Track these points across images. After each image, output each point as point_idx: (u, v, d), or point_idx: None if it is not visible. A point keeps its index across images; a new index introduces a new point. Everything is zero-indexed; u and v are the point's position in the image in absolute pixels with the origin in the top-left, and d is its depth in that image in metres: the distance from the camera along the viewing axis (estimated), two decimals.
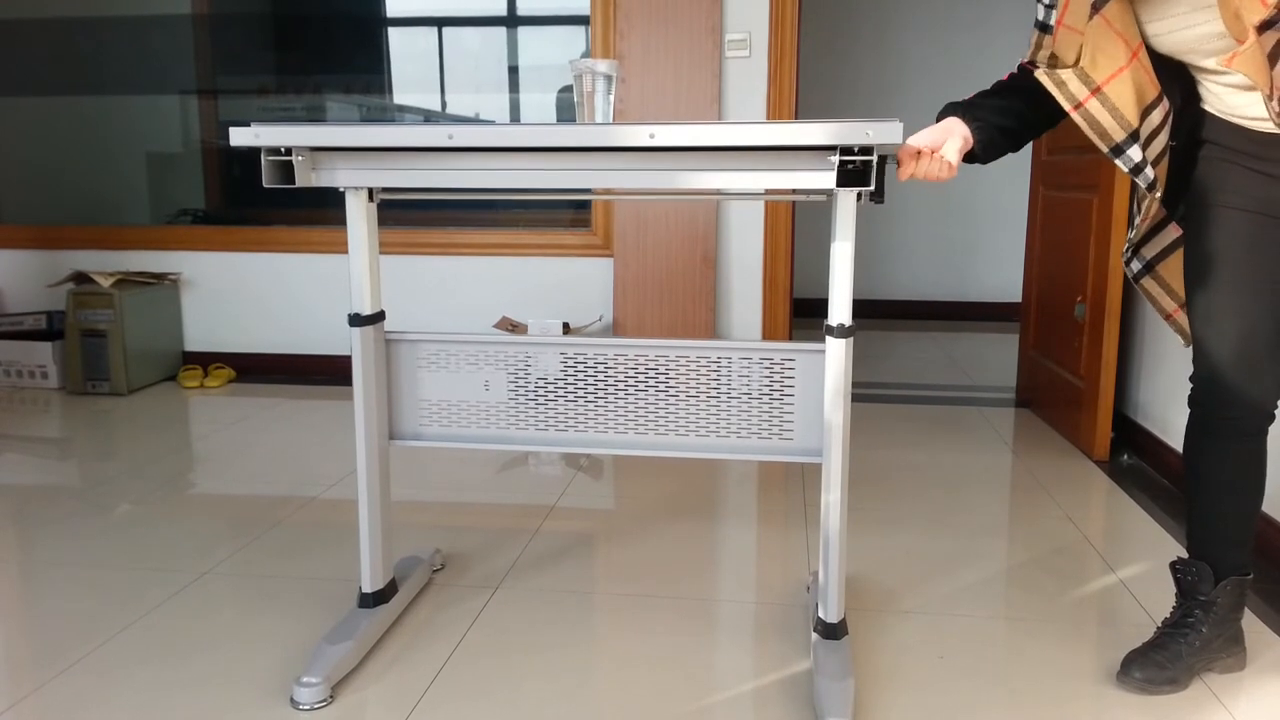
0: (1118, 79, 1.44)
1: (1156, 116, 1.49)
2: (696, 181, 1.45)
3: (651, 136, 1.38)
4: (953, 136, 1.52)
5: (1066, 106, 1.47)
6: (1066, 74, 1.47)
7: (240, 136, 1.48)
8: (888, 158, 1.51)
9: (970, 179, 5.45)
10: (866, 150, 1.36)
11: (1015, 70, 1.60)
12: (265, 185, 1.51)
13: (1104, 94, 1.45)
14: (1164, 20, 1.42)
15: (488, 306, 3.77)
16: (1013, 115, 1.56)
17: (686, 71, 3.40)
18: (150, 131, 4.07)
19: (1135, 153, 1.48)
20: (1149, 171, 1.50)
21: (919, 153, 1.51)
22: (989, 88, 1.60)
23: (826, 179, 1.40)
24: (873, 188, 1.39)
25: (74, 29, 4.01)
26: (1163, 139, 1.51)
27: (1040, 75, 1.50)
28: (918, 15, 5.34)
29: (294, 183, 1.51)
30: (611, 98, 1.58)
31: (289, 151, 1.50)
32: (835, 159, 1.37)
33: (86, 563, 2.10)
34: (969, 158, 1.56)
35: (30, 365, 3.75)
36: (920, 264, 5.61)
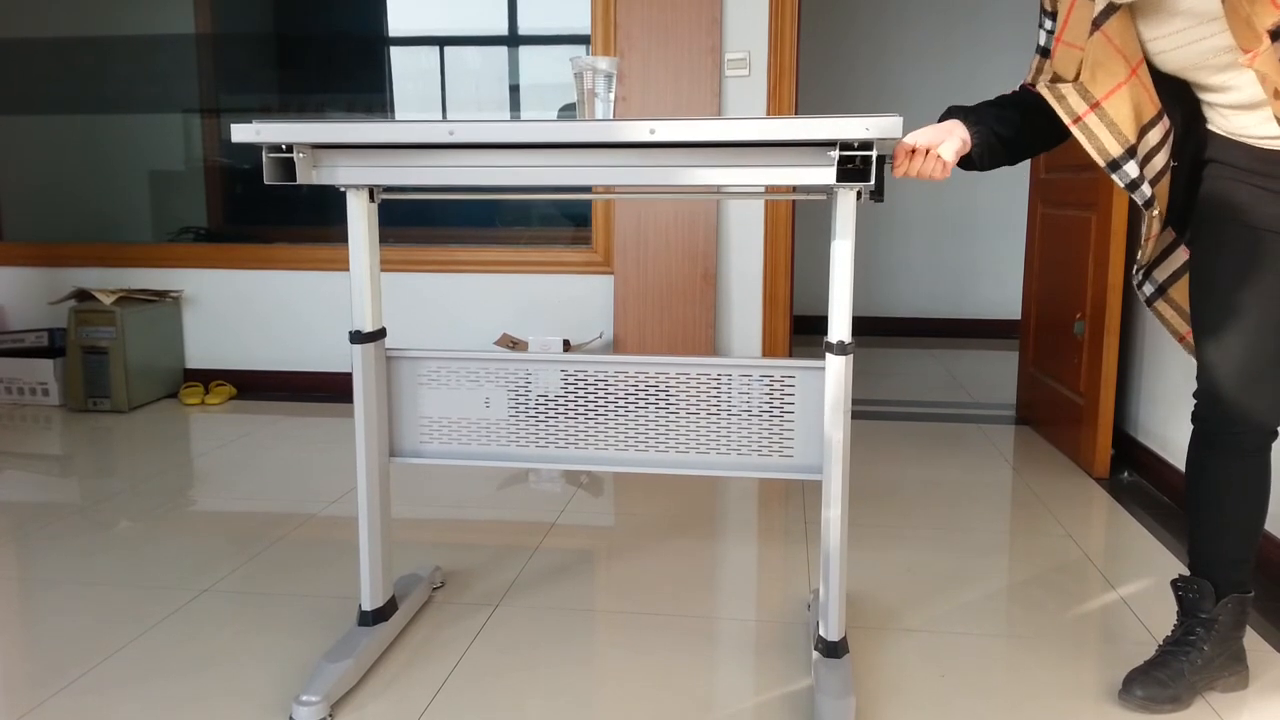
0: (1116, 95, 1.45)
1: (1155, 135, 1.49)
2: (697, 178, 1.46)
3: (652, 132, 1.39)
4: (951, 137, 1.51)
5: (1065, 120, 1.49)
6: (1066, 88, 1.48)
7: (242, 133, 1.48)
8: (885, 157, 1.49)
9: (969, 196, 5.47)
10: (866, 146, 1.37)
11: (1018, 89, 1.62)
12: (266, 183, 1.51)
13: (1102, 109, 1.46)
14: (1169, 36, 1.43)
15: (488, 324, 3.78)
16: (1014, 126, 1.56)
17: (686, 90, 3.42)
18: (153, 150, 4.09)
19: (1132, 169, 1.49)
20: (1145, 189, 1.51)
21: (914, 150, 1.51)
22: (992, 99, 1.61)
23: (826, 175, 1.41)
24: (872, 183, 1.39)
25: (78, 48, 4.04)
26: (1162, 158, 1.52)
27: (1041, 89, 1.51)
28: (915, 35, 5.38)
29: (295, 180, 1.51)
30: (612, 95, 1.59)
31: (290, 149, 1.50)
32: (835, 154, 1.38)
33: (86, 580, 2.09)
34: (967, 164, 1.56)
35: (31, 382, 3.75)
36: (920, 281, 5.62)
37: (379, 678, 1.69)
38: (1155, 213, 1.54)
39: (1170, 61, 1.46)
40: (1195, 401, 1.59)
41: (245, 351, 3.96)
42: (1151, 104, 1.48)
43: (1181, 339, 1.69)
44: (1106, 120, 1.46)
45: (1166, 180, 1.55)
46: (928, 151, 1.50)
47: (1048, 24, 1.54)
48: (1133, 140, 1.47)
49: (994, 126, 1.54)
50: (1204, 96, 1.50)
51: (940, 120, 1.57)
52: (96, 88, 4.06)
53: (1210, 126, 1.53)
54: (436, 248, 3.78)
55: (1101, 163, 1.49)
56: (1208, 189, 1.54)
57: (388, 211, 3.73)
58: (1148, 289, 1.69)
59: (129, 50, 4.01)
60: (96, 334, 3.61)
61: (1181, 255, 1.65)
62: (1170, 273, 1.67)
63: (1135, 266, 1.67)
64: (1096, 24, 1.44)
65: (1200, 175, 1.55)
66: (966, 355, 4.95)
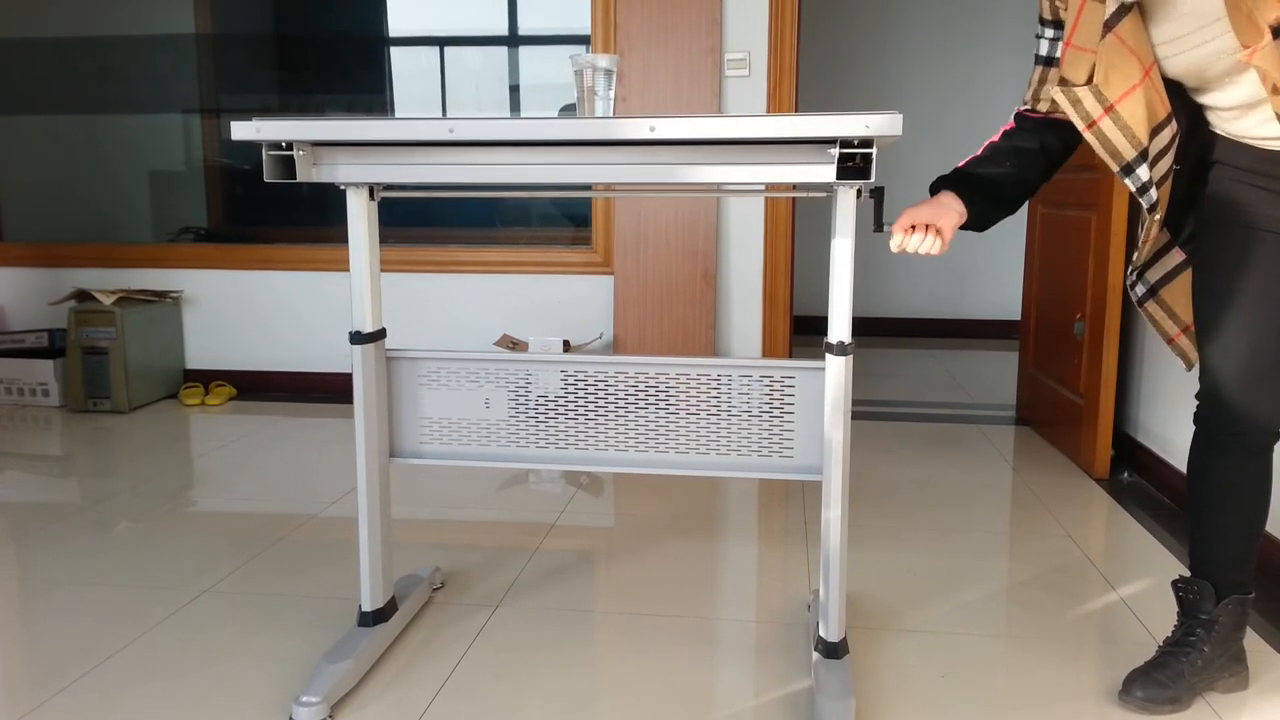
0: (1130, 97, 1.44)
1: (1165, 136, 1.49)
2: (697, 176, 1.46)
3: (652, 129, 1.38)
4: (946, 212, 1.54)
5: (1080, 125, 1.48)
6: (1082, 92, 1.46)
7: (242, 130, 1.48)
8: (886, 226, 1.55)
9: None
10: (866, 144, 1.37)
11: (1011, 122, 1.62)
12: (266, 180, 1.51)
13: (1117, 112, 1.45)
14: (1174, 41, 1.42)
15: (488, 324, 3.78)
16: (1005, 184, 1.58)
17: (686, 90, 3.42)
18: (153, 150, 4.09)
19: (1144, 172, 1.48)
20: (1153, 193, 1.50)
21: (913, 227, 1.54)
22: (981, 152, 1.61)
23: (826, 173, 1.41)
24: (873, 181, 1.40)
25: (78, 48, 4.04)
26: (1168, 160, 1.52)
27: (1055, 93, 1.50)
28: (916, 35, 5.38)
29: (295, 178, 1.51)
30: (612, 93, 1.59)
31: (290, 147, 1.50)
32: (835, 152, 1.38)
33: (86, 580, 2.09)
34: (964, 227, 1.59)
35: (32, 383, 3.75)
36: (920, 281, 5.62)
37: (379, 678, 1.68)
38: (1157, 216, 1.54)
39: (1176, 65, 1.45)
40: (1198, 403, 1.59)
41: (245, 352, 3.96)
42: (1162, 106, 1.47)
43: (1171, 340, 1.69)
44: (1120, 123, 1.45)
45: (1169, 184, 1.55)
46: (926, 228, 1.53)
47: (1049, 33, 1.54)
48: (1145, 143, 1.47)
49: (986, 193, 1.57)
50: (1206, 100, 1.50)
51: (931, 191, 1.59)
52: (97, 88, 4.06)
53: (1212, 129, 1.53)
54: (436, 248, 3.78)
55: (1115, 167, 1.48)
56: (1211, 191, 1.53)
57: (387, 212, 3.73)
58: (1139, 290, 1.69)
59: (129, 50, 4.01)
60: (96, 334, 3.61)
61: (1175, 258, 1.64)
62: (1163, 274, 1.66)
63: (1129, 267, 1.67)
64: (1108, 26, 1.43)
65: (1202, 178, 1.55)
66: (966, 356, 4.95)
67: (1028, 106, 1.61)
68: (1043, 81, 1.57)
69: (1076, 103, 1.48)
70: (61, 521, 2.46)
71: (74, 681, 1.67)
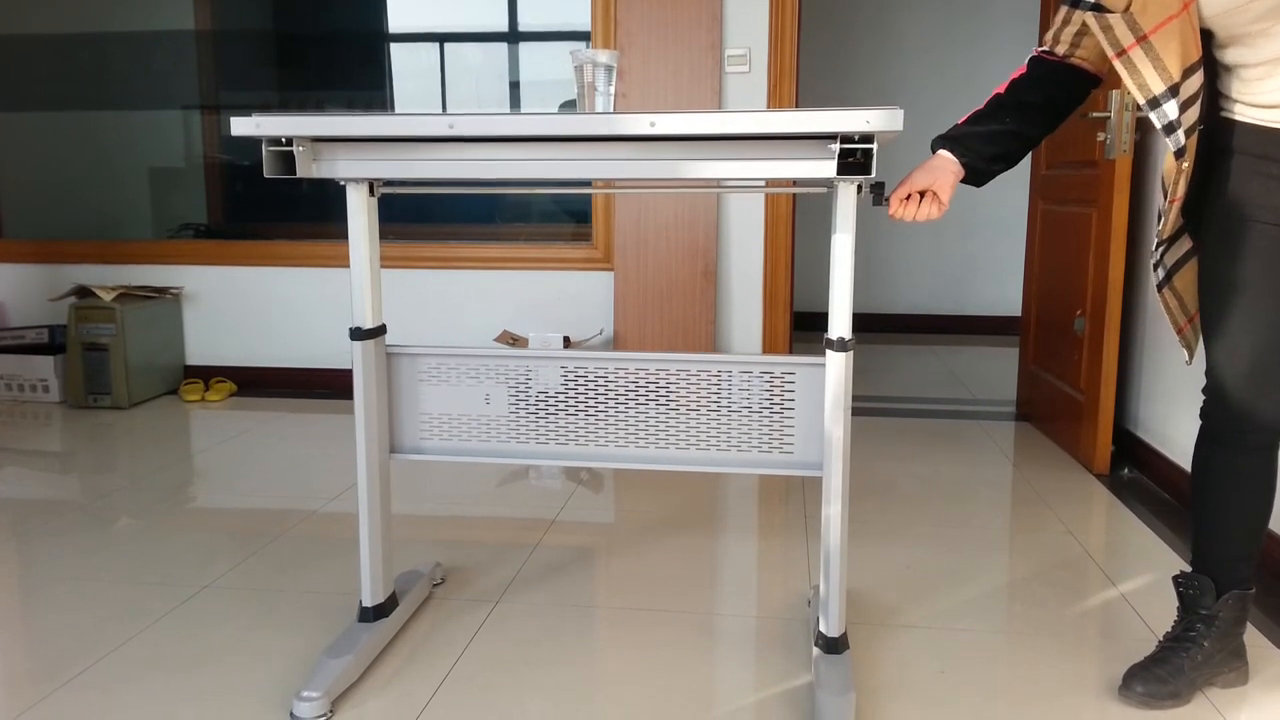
0: (1166, 28, 1.41)
1: (1195, 82, 1.45)
2: (698, 171, 1.46)
3: (652, 125, 1.39)
4: (942, 174, 1.54)
5: (1110, 53, 1.45)
6: (1114, 19, 1.43)
7: (241, 126, 1.49)
8: (886, 194, 1.56)
9: (970, 192, 5.47)
10: (867, 139, 1.37)
11: (1024, 67, 1.60)
12: (266, 176, 1.52)
13: (1149, 43, 1.42)
14: None
15: (488, 320, 3.78)
16: (1004, 139, 1.58)
17: (687, 87, 3.42)
18: (153, 146, 4.09)
19: (1171, 109, 1.45)
20: (1180, 135, 1.46)
21: (909, 195, 1.54)
22: (983, 106, 1.61)
23: (827, 168, 1.41)
24: (873, 176, 1.40)
25: (78, 44, 4.04)
26: (1196, 110, 1.47)
27: (1087, 18, 1.47)
28: (916, 32, 5.37)
29: (295, 173, 1.51)
30: (612, 89, 1.59)
31: (290, 142, 1.50)
32: (836, 147, 1.38)
33: (87, 576, 2.10)
34: (963, 182, 1.59)
35: (32, 379, 3.75)
36: (920, 278, 5.62)
37: (379, 674, 1.69)
38: (1186, 165, 1.49)
39: (1214, 4, 1.40)
40: (1203, 398, 1.58)
41: (245, 348, 3.96)
42: (1196, 48, 1.43)
43: (1179, 331, 1.67)
44: (1153, 55, 1.42)
45: (1195, 139, 1.50)
46: (922, 195, 1.53)
47: None
48: (1176, 79, 1.43)
49: (982, 149, 1.57)
50: (1232, 56, 1.45)
51: (933, 149, 1.58)
52: (96, 84, 4.06)
53: (1225, 114, 1.50)
54: (437, 244, 3.78)
55: (1141, 100, 1.46)
56: (1218, 182, 1.51)
57: (387, 208, 3.73)
58: (1159, 273, 1.66)
59: (129, 47, 4.01)
60: (97, 330, 3.61)
61: (1186, 243, 1.63)
62: (1176, 258, 1.64)
63: (1155, 241, 1.63)
64: None
65: (1212, 166, 1.53)
66: (967, 352, 4.95)
67: (1045, 48, 1.59)
68: (1066, 23, 1.54)
69: (1107, 29, 1.44)
70: (62, 517, 2.46)
71: (75, 677, 1.67)
